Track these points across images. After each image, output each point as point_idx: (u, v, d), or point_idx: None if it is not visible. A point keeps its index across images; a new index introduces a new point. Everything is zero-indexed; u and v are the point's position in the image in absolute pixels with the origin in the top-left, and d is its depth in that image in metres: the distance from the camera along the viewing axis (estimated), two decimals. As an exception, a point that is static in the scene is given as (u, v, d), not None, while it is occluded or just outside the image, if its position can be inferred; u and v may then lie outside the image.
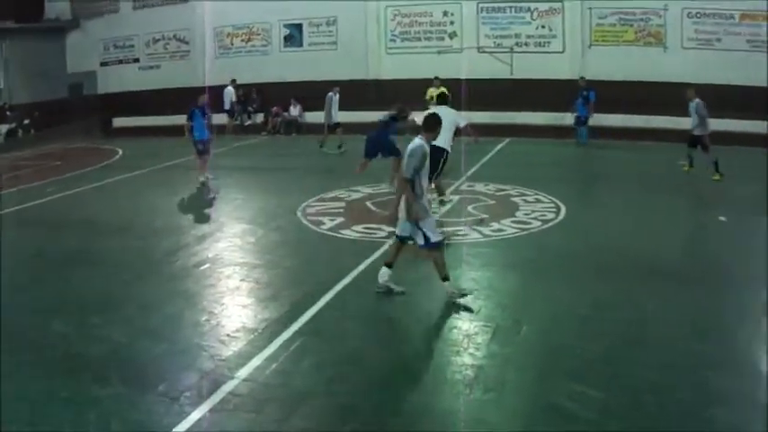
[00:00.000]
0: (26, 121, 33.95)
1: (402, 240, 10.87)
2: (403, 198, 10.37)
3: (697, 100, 20.92)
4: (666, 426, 7.07)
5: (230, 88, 33.58)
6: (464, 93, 26.56)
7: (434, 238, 10.51)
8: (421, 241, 10.54)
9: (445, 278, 10.61)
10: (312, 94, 32.45)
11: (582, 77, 27.38)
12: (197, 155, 20.67)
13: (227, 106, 33.54)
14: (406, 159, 10.30)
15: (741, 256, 12.76)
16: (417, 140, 10.37)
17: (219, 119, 33.05)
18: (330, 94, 27.13)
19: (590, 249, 13.16)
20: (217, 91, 32.14)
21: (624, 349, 9.01)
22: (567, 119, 27.93)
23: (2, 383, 8.32)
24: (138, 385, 8.37)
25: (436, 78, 28.63)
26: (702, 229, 14.80)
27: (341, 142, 26.46)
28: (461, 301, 10.44)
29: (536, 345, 9.29)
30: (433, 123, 10.67)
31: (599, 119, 26.54)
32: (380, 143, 18.00)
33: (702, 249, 13.49)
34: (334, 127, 27.08)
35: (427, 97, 28.57)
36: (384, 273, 10.96)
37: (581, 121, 26.92)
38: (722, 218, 14.86)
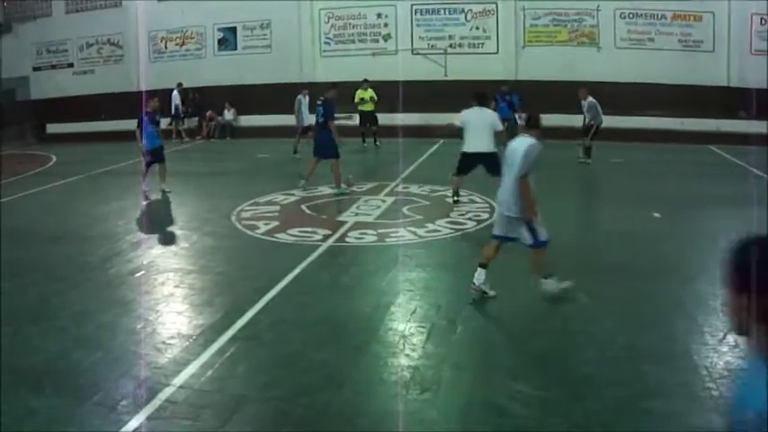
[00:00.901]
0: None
1: (501, 240, 10.72)
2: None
3: (590, 98, 22.48)
4: (605, 419, 7.18)
5: (176, 92, 33.25)
6: (400, 95, 26.80)
7: (543, 237, 10.39)
8: (529, 240, 10.39)
9: (547, 275, 10.50)
10: (246, 97, 32.44)
11: (504, 81, 27.80)
12: (146, 165, 19.56)
13: (173, 110, 33.24)
14: (522, 160, 10.07)
15: (678, 250, 13.04)
16: (529, 140, 10.29)
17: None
18: (299, 96, 26.72)
19: (524, 247, 13.26)
20: (153, 95, 31.91)
21: (562, 345, 9.16)
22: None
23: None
24: (73, 395, 8.28)
25: (365, 81, 28.72)
26: (635, 222, 14.99)
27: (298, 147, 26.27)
28: (563, 284, 10.54)
29: (472, 344, 9.38)
30: (538, 120, 10.67)
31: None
32: (324, 143, 18.70)
33: (639, 242, 13.66)
34: (305, 130, 25.81)
35: (356, 100, 28.68)
36: (481, 274, 10.67)
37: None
38: (657, 214, 15.09)
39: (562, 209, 15.30)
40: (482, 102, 16.25)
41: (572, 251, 12.78)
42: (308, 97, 26.13)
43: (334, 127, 18.90)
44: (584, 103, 22.67)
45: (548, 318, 10.04)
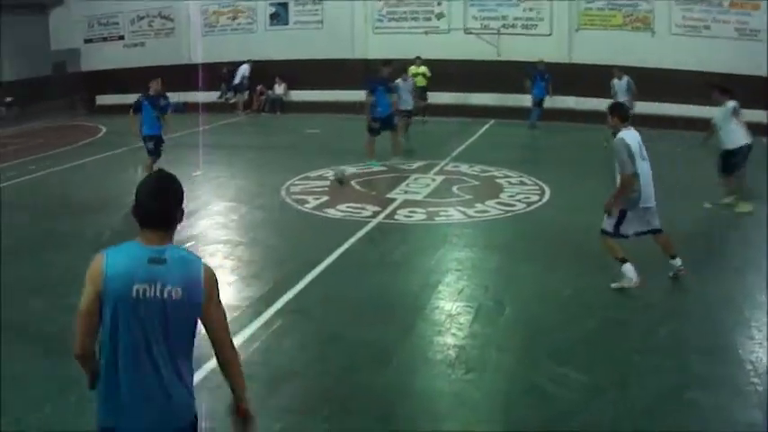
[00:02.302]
0: (8, 99, 33.65)
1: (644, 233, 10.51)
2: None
3: (626, 78, 22.30)
4: (649, 407, 7.07)
5: (246, 66, 33.24)
6: (451, 74, 26.65)
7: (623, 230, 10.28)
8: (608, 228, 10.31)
9: (622, 260, 10.30)
10: (297, 72, 32.38)
11: (541, 60, 26.91)
12: (149, 152, 17.18)
13: (236, 81, 33.31)
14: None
15: (727, 242, 12.85)
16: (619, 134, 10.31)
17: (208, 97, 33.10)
18: (399, 81, 23.54)
19: (574, 231, 13.11)
20: (206, 68, 32.04)
21: (607, 331, 9.07)
22: (552, 102, 27.85)
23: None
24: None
25: (418, 58, 28.53)
26: (684, 213, 14.71)
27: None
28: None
29: (518, 325, 9.32)
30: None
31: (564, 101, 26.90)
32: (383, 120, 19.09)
33: (685, 232, 13.42)
34: (408, 114, 23.54)
35: (410, 75, 28.54)
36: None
37: (537, 102, 26.55)
38: (708, 205, 14.76)
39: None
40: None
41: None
42: (410, 80, 23.51)
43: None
44: (620, 84, 22.26)
45: (595, 303, 9.92)
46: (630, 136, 10.22)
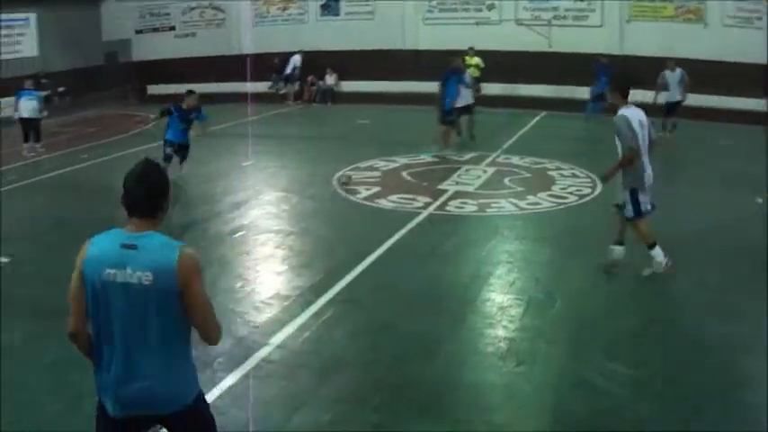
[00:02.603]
0: (61, 89, 34.05)
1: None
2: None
3: (679, 70, 21.58)
4: (697, 405, 7.00)
5: (298, 56, 33.39)
6: (503, 65, 26.52)
7: (644, 208, 10.30)
8: (629, 213, 10.32)
9: (652, 245, 10.31)
10: (348, 63, 32.41)
11: (602, 54, 26.34)
12: (166, 155, 16.50)
13: (288, 71, 33.50)
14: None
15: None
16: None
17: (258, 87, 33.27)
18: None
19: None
20: (257, 59, 32.16)
21: (656, 326, 8.96)
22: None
23: (33, 349, 8.43)
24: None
25: (470, 48, 28.46)
26: (739, 209, 14.47)
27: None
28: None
29: (568, 319, 9.25)
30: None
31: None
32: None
33: (742, 228, 13.19)
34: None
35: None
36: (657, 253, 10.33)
37: (598, 96, 24.69)
38: (760, 200, 14.52)
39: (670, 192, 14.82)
40: None
41: (675, 236, 12.51)
42: (467, 73, 21.94)
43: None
44: (672, 75, 21.69)
45: (646, 299, 9.84)
46: (632, 113, 10.19)
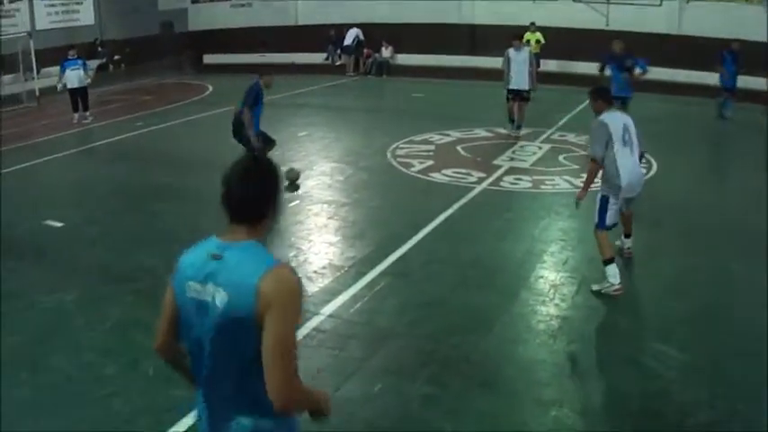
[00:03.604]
0: (117, 57, 34.40)
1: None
2: None
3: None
4: (747, 392, 6.92)
5: (355, 29, 33.45)
6: (560, 42, 26.28)
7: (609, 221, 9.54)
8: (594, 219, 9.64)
9: (609, 261, 9.41)
10: (404, 36, 32.33)
11: (736, 40, 22.49)
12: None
13: (347, 42, 33.61)
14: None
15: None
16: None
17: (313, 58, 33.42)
18: (510, 50, 19.43)
19: (680, 207, 12.88)
20: (313, 30, 32.31)
21: (710, 312, 8.85)
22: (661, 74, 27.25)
23: (93, 311, 8.59)
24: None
25: (532, 24, 28.32)
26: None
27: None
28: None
29: (622, 300, 9.16)
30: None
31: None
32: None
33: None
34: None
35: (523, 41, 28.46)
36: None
37: (727, 89, 21.96)
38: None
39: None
40: None
41: (725, 217, 12.37)
42: (524, 50, 19.56)
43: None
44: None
45: (700, 283, 9.72)
46: (612, 118, 9.56)
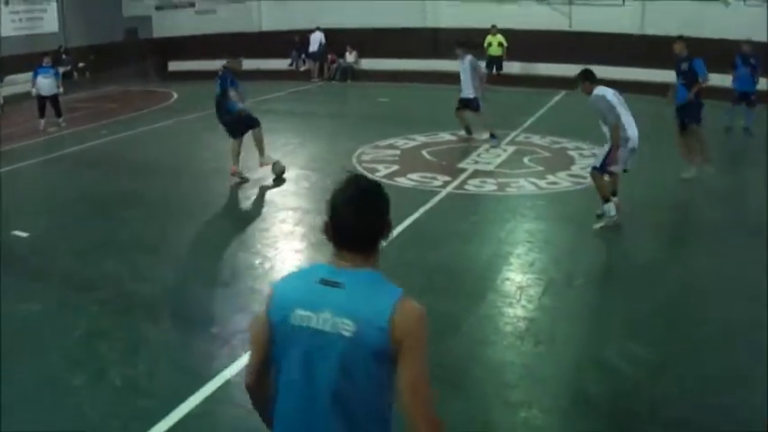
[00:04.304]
0: (81, 64, 34.25)
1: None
2: None
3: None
4: (721, 388, 6.96)
5: (318, 33, 33.43)
6: (522, 44, 26.41)
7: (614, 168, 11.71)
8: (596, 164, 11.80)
9: (608, 198, 11.60)
10: (368, 41, 32.33)
11: (748, 39, 20.62)
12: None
13: (312, 47, 33.59)
14: None
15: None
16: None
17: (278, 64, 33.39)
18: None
19: (646, 204, 12.98)
20: (277, 36, 32.32)
21: (678, 308, 8.94)
22: (629, 73, 27.41)
23: (58, 321, 8.53)
24: (188, 325, 8.52)
25: (493, 26, 28.50)
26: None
27: None
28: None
29: (589, 299, 9.27)
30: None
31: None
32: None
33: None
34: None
35: (485, 44, 28.66)
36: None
37: (746, 96, 19.72)
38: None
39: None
40: None
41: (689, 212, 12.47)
42: (468, 59, 18.54)
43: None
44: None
45: (667, 277, 9.79)
46: (604, 90, 11.70)
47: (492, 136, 18.02)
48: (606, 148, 11.59)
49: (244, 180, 14.87)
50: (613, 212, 11.39)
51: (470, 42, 20.44)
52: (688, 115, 14.64)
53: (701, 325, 8.40)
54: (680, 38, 15.47)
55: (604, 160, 11.52)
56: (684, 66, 14.80)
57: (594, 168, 11.68)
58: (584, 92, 11.93)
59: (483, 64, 26.70)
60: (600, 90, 11.69)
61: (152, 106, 26.51)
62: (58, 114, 22.26)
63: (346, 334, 3.08)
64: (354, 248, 3.26)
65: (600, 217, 11.60)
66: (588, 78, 11.98)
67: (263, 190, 14.29)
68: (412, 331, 3.07)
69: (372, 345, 3.06)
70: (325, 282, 3.19)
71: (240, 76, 15.60)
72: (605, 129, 11.73)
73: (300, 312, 3.17)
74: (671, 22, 27.04)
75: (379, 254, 3.33)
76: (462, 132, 18.72)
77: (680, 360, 7.55)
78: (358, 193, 3.31)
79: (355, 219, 3.24)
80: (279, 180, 14.56)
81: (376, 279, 3.23)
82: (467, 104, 18.38)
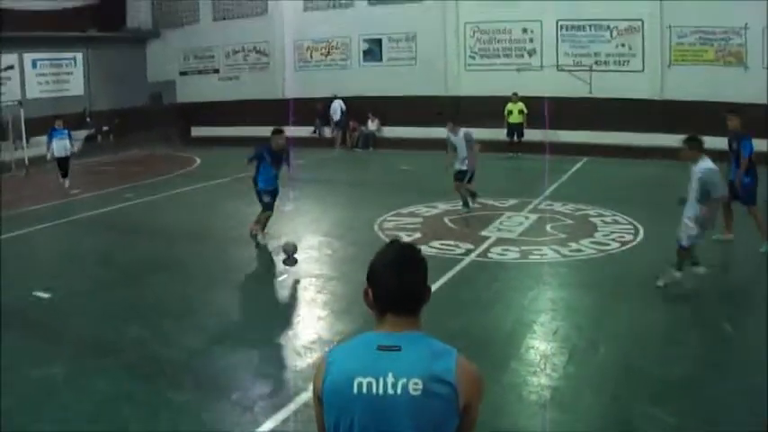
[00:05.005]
0: (105, 128, 34.71)
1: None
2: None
3: None
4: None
5: (338, 101, 33.77)
6: (545, 111, 26.53)
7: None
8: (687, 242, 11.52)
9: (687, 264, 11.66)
10: (390, 108, 32.57)
11: (732, 113, 15.40)
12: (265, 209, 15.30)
13: (336, 118, 33.95)
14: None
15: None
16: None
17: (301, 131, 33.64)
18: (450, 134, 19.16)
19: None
20: (299, 103, 32.62)
21: (703, 375, 8.86)
22: (644, 139, 27.52)
23: (81, 384, 8.53)
24: (211, 391, 8.51)
25: (514, 94, 28.71)
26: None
27: None
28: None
29: (613, 367, 9.17)
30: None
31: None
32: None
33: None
34: None
35: (505, 112, 28.86)
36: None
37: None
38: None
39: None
40: None
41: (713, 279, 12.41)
42: (461, 133, 18.50)
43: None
44: None
45: (690, 344, 9.76)
46: (711, 162, 11.17)
47: (465, 204, 17.95)
48: (691, 225, 11.30)
49: (257, 242, 14.89)
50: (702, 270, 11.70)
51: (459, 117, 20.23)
52: (742, 196, 14.29)
53: (725, 391, 8.29)
54: (731, 112, 14.71)
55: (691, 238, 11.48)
56: (734, 144, 14.41)
57: (683, 247, 11.59)
58: (688, 160, 11.39)
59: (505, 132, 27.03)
60: (709, 162, 11.16)
61: (174, 171, 26.75)
62: (64, 175, 22.79)
63: (415, 393, 3.15)
64: (400, 312, 3.34)
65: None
66: (697, 146, 11.38)
67: (296, 257, 14.30)
68: (478, 389, 3.28)
69: (443, 400, 3.15)
70: (381, 347, 3.25)
71: (258, 143, 15.71)
72: (694, 205, 11.29)
73: (361, 380, 3.19)
74: (691, 88, 27.25)
75: (421, 317, 3.40)
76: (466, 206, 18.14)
77: (703, 426, 7.52)
78: (403, 260, 3.40)
79: (399, 281, 3.33)
80: (290, 260, 13.26)
81: (429, 339, 3.32)
82: (461, 177, 17.99)
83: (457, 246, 14.74)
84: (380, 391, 3.18)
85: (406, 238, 15.30)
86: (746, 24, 27.74)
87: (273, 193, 15.29)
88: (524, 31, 31.73)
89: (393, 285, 3.34)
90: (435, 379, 3.16)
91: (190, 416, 7.87)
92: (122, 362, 9.28)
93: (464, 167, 17.78)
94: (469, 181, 18.04)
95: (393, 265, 3.38)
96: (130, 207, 19.95)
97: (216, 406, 8.15)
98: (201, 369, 9.14)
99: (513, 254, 14.22)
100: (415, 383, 3.15)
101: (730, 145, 14.37)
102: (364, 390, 3.19)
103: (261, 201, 15.23)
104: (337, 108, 33.66)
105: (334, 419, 3.25)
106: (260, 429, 7.37)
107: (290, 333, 10.30)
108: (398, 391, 3.16)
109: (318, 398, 3.31)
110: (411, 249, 3.51)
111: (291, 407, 7.86)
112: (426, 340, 3.31)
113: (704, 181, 10.97)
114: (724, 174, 13.83)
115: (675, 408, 7.85)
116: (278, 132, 15.38)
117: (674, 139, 25.60)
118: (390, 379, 3.17)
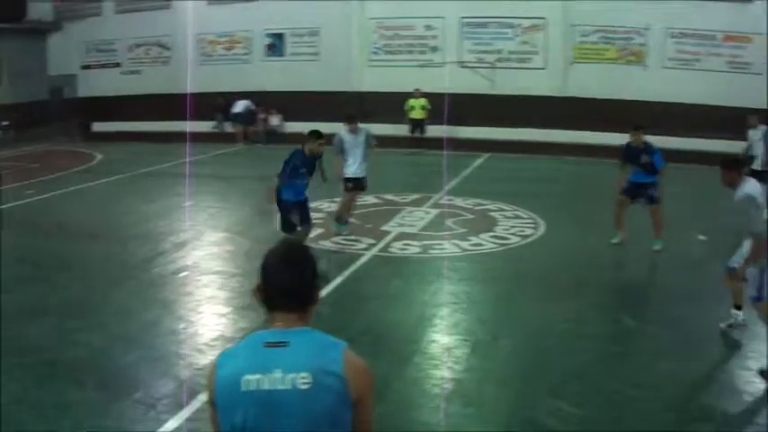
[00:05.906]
0: (5, 123, 33.83)
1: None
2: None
3: (765, 127, 19.55)
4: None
5: (247, 101, 33.41)
6: (446, 107, 26.72)
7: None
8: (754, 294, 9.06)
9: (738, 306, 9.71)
10: (293, 104, 32.42)
11: (637, 129, 14.24)
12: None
13: (238, 110, 33.52)
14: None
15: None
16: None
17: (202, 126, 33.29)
18: (342, 132, 16.86)
19: (568, 264, 13.19)
20: (202, 98, 32.23)
21: (603, 365, 9.04)
22: (546, 135, 28.03)
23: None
24: (113, 391, 8.33)
25: (416, 90, 28.86)
26: (681, 245, 14.51)
27: None
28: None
29: (515, 359, 9.29)
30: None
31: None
32: None
33: (684, 266, 13.29)
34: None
35: (406, 108, 28.97)
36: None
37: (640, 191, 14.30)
38: (702, 237, 14.69)
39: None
40: None
41: (611, 273, 12.66)
42: (362, 133, 16.71)
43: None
44: (755, 133, 20.07)
45: (591, 337, 9.91)
46: (753, 187, 9.08)
47: (343, 221, 15.76)
48: (755, 272, 8.95)
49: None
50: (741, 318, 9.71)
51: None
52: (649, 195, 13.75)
53: (628, 382, 8.46)
54: (637, 129, 14.01)
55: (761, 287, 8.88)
56: (645, 158, 13.73)
57: (756, 300, 9.05)
58: (727, 184, 9.28)
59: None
60: (747, 188, 9.03)
61: (76, 167, 26.14)
62: None
63: (304, 387, 3.17)
64: (289, 308, 3.35)
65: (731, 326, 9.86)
66: (735, 168, 9.39)
67: (187, 254, 14.14)
68: (368, 381, 3.35)
69: (333, 392, 3.20)
70: (268, 344, 3.26)
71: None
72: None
73: (249, 378, 3.20)
74: (592, 86, 27.78)
75: (311, 314, 3.41)
76: (332, 228, 15.81)
77: (608, 418, 7.63)
78: (291, 258, 3.43)
79: (286, 279, 3.35)
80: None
81: (316, 333, 3.33)
82: (360, 186, 15.86)
83: (358, 241, 14.78)
84: (269, 386, 3.18)
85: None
86: (648, 24, 28.39)
87: (302, 206, 13.42)
88: (428, 27, 31.94)
89: (280, 283, 3.36)
90: (324, 372, 3.20)
91: (91, 416, 7.71)
92: (21, 363, 9.04)
93: (364, 174, 15.77)
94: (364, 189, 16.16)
95: (281, 263, 3.42)
96: (29, 204, 19.44)
97: (118, 405, 7.99)
98: (103, 368, 8.96)
99: (414, 248, 14.30)
100: (304, 377, 3.18)
101: (638, 158, 13.81)
102: (252, 387, 3.19)
103: (284, 219, 13.12)
104: (242, 105, 33.32)
105: (227, 421, 3.24)
106: (163, 428, 7.25)
107: (192, 330, 10.16)
108: (287, 385, 3.17)
109: (212, 402, 3.30)
110: (300, 248, 3.61)
111: (195, 404, 7.75)
112: (313, 334, 3.33)
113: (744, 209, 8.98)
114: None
115: (578, 399, 7.98)
116: (315, 135, 13.76)
117: (575, 136, 26.31)
118: (278, 374, 3.19)
